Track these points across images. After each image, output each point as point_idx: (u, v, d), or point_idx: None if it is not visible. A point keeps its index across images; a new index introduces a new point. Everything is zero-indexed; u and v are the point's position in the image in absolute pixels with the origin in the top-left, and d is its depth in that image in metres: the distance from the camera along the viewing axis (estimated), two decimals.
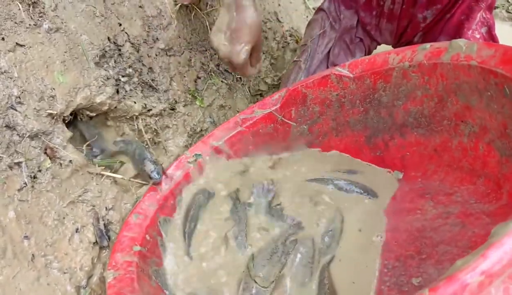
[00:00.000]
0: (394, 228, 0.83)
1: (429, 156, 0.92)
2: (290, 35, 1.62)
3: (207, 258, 0.80)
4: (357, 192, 0.91)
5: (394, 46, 1.29)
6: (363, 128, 0.99)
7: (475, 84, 0.72)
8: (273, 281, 0.72)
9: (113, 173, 0.90)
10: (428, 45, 0.81)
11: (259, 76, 1.39)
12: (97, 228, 0.82)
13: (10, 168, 0.73)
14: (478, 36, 1.15)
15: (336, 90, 0.97)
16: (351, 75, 0.93)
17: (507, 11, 2.06)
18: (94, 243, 0.80)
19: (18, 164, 0.75)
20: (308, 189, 0.91)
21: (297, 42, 1.60)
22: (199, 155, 0.96)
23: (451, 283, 0.39)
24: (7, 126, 0.76)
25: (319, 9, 1.26)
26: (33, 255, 0.70)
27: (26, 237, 0.71)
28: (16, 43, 0.82)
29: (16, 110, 0.78)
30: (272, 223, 0.84)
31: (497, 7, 2.09)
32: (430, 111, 0.86)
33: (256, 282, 0.72)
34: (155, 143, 1.06)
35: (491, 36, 1.16)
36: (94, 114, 0.98)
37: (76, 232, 0.79)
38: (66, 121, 0.90)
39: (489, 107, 0.72)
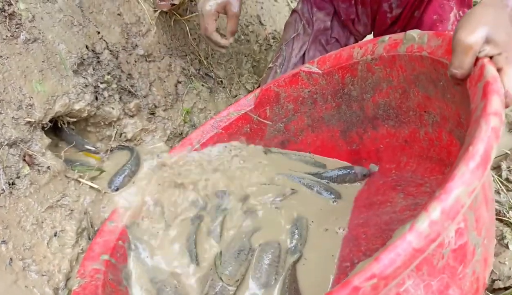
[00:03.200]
0: (364, 222, 0.84)
1: (400, 147, 0.93)
2: (273, 38, 1.64)
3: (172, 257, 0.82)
4: (320, 192, 0.93)
5: (373, 36, 1.30)
6: (337, 123, 1.01)
7: (429, 75, 0.73)
8: (238, 280, 0.74)
9: (92, 178, 0.92)
10: (386, 37, 0.82)
11: (240, 82, 1.41)
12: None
13: None
14: None
15: (307, 87, 0.99)
16: (320, 72, 0.95)
17: None
18: (72, 246, 0.83)
19: None
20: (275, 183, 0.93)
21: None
22: None
23: (343, 288, 0.40)
24: None
25: (293, 11, 1.27)
26: (11, 258, 0.73)
27: (3, 242, 0.73)
28: None
29: None
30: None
31: (477, 2, 2.10)
32: (396, 103, 0.88)
33: (222, 279, 0.73)
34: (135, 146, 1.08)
35: None
36: (75, 120, 1.01)
37: (55, 235, 0.81)
38: (46, 129, 0.93)
39: (444, 97, 0.73)
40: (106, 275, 0.73)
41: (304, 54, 1.19)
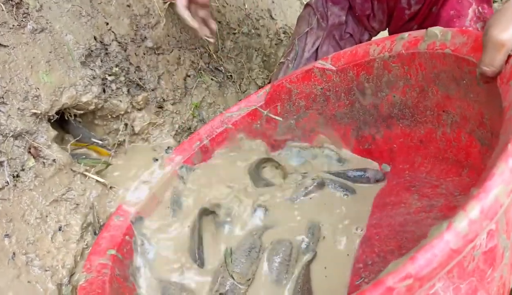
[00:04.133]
0: (377, 223, 0.82)
1: (415, 147, 0.90)
2: (284, 32, 1.61)
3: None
4: (336, 188, 0.90)
5: (388, 33, 1.27)
6: (349, 121, 0.98)
7: (452, 73, 0.71)
8: (249, 279, 0.72)
9: (98, 172, 0.91)
10: (406, 34, 0.79)
11: (250, 77, 1.38)
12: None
13: None
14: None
15: (320, 84, 0.96)
16: (334, 68, 0.92)
17: None
18: (77, 241, 0.81)
19: (0, 163, 0.76)
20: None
21: (290, 39, 1.60)
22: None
23: (376, 288, 0.38)
24: None
25: (307, 5, 1.25)
26: (13, 253, 0.71)
27: (7, 235, 0.71)
28: (0, 44, 0.83)
29: None
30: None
31: (495, 1, 2.06)
32: (413, 102, 0.85)
33: (233, 277, 0.71)
34: (143, 141, 1.06)
35: None
36: (82, 113, 0.99)
37: (59, 230, 0.79)
38: (52, 121, 0.91)
39: (466, 96, 0.70)
40: (113, 270, 0.71)
41: (317, 49, 1.17)
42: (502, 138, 0.48)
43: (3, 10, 0.84)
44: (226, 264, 0.75)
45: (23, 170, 0.80)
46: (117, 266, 0.74)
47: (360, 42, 1.25)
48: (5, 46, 0.84)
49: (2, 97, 0.81)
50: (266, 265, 0.76)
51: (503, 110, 0.52)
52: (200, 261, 0.78)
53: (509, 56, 0.56)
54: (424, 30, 0.75)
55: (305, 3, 1.79)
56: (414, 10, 1.09)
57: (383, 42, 0.84)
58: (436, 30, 0.71)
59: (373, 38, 1.29)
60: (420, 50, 0.75)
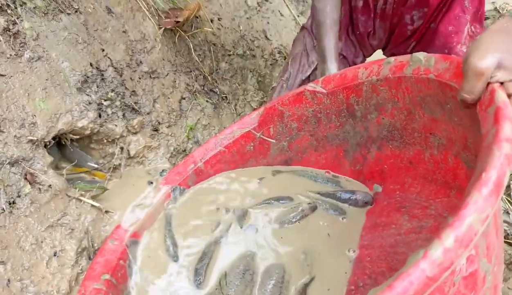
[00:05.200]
0: (369, 244, 0.83)
1: (405, 168, 0.92)
2: (279, 52, 1.64)
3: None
4: (327, 210, 0.91)
5: (384, 51, 1.30)
6: (341, 142, 1.00)
7: (436, 97, 0.72)
8: None
9: (93, 196, 0.92)
10: (392, 59, 0.81)
11: (245, 99, 1.41)
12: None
13: None
14: (465, 50, 1.16)
15: (311, 106, 0.98)
16: (324, 91, 0.94)
17: None
18: (72, 266, 0.82)
19: None
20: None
21: (285, 59, 1.62)
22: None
23: None
24: None
25: (302, 28, 1.27)
26: (8, 280, 0.73)
27: (2, 262, 0.73)
28: None
29: None
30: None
31: (488, 18, 2.09)
32: (401, 124, 0.87)
33: None
34: (138, 164, 1.08)
35: None
36: (78, 137, 1.01)
37: (54, 255, 0.81)
38: (48, 146, 0.93)
39: (451, 119, 0.72)
40: None
41: (312, 71, 1.19)
42: (479, 166, 0.49)
43: (0, 40, 0.87)
44: (220, 286, 0.76)
45: (19, 196, 0.81)
46: (111, 291, 0.74)
47: (354, 63, 1.27)
48: (2, 75, 0.86)
49: (0, 125, 0.83)
50: (259, 288, 0.76)
51: (482, 137, 0.54)
52: (199, 281, 0.79)
53: (488, 83, 0.57)
54: (409, 55, 0.77)
55: (301, 24, 1.82)
56: (417, 25, 1.13)
57: (371, 66, 0.86)
58: (420, 55, 0.73)
59: (368, 59, 1.31)
60: (406, 75, 0.77)
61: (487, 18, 2.10)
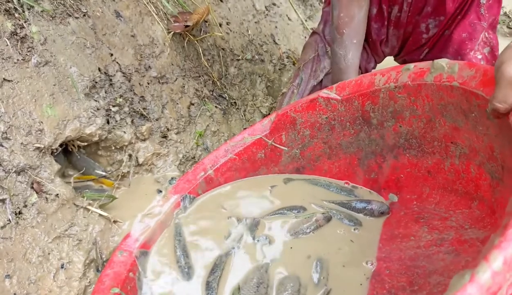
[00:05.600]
0: (387, 257, 0.80)
1: (423, 177, 0.89)
2: (287, 57, 1.62)
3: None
4: (342, 220, 0.89)
5: (396, 58, 1.28)
6: (355, 150, 0.97)
7: (459, 105, 0.70)
8: None
9: (101, 206, 0.90)
10: (411, 65, 0.79)
11: (254, 104, 1.38)
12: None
13: None
14: (480, 56, 1.14)
15: (325, 113, 0.95)
16: (339, 98, 0.92)
17: (508, 27, 2.05)
18: (80, 278, 0.79)
19: (2, 200, 0.75)
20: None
21: (294, 63, 1.60)
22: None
23: None
24: None
25: (314, 33, 1.25)
26: (14, 294, 0.70)
27: (7, 276, 0.70)
28: (4, 78, 0.83)
29: (2, 146, 0.79)
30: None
31: (498, 23, 2.08)
32: (420, 132, 0.84)
33: None
34: (147, 171, 1.05)
35: (493, 57, 1.14)
36: (85, 144, 0.99)
37: (62, 268, 0.78)
38: (56, 154, 0.90)
39: (475, 129, 0.70)
40: None
41: (324, 76, 1.17)
42: None
43: (7, 45, 0.84)
44: None
45: (25, 206, 0.79)
46: None
47: (366, 69, 1.25)
48: (9, 81, 0.84)
49: (6, 132, 0.80)
50: None
51: None
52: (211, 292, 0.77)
53: None
54: (430, 61, 0.74)
55: (309, 28, 1.80)
56: (431, 33, 1.11)
57: (388, 72, 0.84)
58: (443, 62, 0.71)
59: (378, 65, 1.29)
60: (427, 82, 0.75)
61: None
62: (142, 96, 1.08)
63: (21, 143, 0.82)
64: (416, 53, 1.20)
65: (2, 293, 0.68)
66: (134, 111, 1.05)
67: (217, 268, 0.81)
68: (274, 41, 1.62)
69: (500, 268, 0.39)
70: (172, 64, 1.18)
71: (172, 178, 1.03)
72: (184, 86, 1.19)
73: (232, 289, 0.77)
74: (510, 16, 2.19)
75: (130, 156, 1.02)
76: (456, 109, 0.72)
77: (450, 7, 1.07)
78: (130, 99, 1.05)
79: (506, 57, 0.56)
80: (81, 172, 0.94)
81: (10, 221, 0.74)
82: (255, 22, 1.57)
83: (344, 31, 1.03)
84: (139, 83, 1.08)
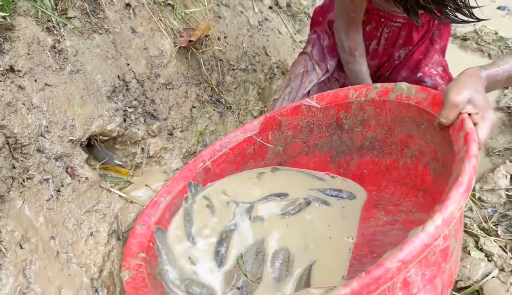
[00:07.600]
0: None
1: (382, 173, 1.10)
2: (277, 67, 1.82)
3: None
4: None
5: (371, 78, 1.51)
6: (329, 149, 1.18)
7: (414, 119, 0.91)
8: (259, 278, 0.90)
9: (120, 188, 1.09)
10: (378, 85, 1.00)
11: (247, 108, 1.59)
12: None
13: (40, 183, 0.92)
14: (435, 72, 1.36)
15: (306, 118, 1.16)
16: (318, 106, 1.13)
17: (477, 43, 2.25)
18: (104, 244, 0.99)
19: (46, 180, 0.94)
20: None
21: (283, 73, 1.81)
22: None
23: (378, 267, 0.57)
24: (38, 150, 0.95)
25: (303, 53, 1.46)
26: (57, 251, 0.89)
27: (52, 237, 0.89)
28: (45, 83, 1.02)
29: (45, 137, 0.98)
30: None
31: (467, 39, 2.29)
32: (381, 137, 1.06)
33: (246, 276, 0.90)
34: (156, 163, 1.25)
35: (446, 74, 1.37)
36: (105, 139, 1.18)
37: (91, 235, 0.97)
38: (83, 146, 1.09)
39: (424, 137, 0.91)
40: (146, 269, 0.88)
41: (311, 89, 1.39)
42: (454, 172, 0.68)
43: (49, 56, 1.03)
44: (239, 265, 0.93)
45: (62, 186, 0.98)
46: (148, 266, 0.90)
47: (344, 84, 1.47)
48: (49, 85, 1.02)
49: (47, 126, 0.99)
50: (270, 266, 0.94)
51: (454, 153, 0.73)
52: (220, 261, 0.96)
53: (460, 113, 0.76)
54: (394, 83, 0.96)
55: (297, 41, 2.01)
56: (400, 60, 1.37)
57: (360, 88, 1.05)
58: (403, 85, 0.93)
59: None
60: (390, 99, 0.96)
61: (467, 39, 2.30)
62: (152, 100, 1.27)
63: (58, 135, 1.01)
64: (378, 73, 1.44)
65: (49, 250, 0.87)
66: (146, 112, 1.24)
67: (224, 241, 1.01)
68: (266, 53, 1.83)
69: (440, 223, 0.60)
70: (177, 73, 1.38)
71: (176, 169, 1.22)
72: (187, 92, 1.39)
73: (236, 257, 0.97)
74: (479, 33, 2.37)
75: (142, 149, 1.22)
76: (411, 121, 0.93)
77: (416, 38, 1.31)
78: (143, 102, 1.24)
79: (452, 86, 0.78)
80: (102, 162, 1.13)
81: (52, 196, 0.93)
82: (249, 36, 1.78)
83: (355, 54, 1.30)
84: (150, 89, 1.28)
